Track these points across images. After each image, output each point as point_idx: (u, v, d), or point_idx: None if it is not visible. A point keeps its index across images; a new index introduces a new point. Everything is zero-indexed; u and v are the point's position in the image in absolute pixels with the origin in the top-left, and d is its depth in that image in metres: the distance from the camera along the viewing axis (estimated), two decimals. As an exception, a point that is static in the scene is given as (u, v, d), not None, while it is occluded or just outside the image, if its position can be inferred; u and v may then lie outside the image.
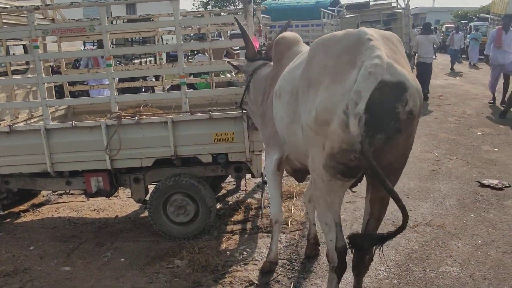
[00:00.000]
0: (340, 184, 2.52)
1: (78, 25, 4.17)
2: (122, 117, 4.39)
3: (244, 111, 4.25)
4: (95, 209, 5.66)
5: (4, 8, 4.60)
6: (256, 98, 3.80)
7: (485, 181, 5.56)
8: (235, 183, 6.04)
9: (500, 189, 5.33)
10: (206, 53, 6.82)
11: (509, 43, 9.85)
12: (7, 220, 5.42)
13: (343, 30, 2.54)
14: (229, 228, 4.82)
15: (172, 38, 7.34)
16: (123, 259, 4.27)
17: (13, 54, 5.51)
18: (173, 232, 4.60)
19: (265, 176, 4.69)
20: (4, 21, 4.97)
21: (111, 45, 12.25)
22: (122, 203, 5.76)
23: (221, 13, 7.19)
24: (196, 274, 3.89)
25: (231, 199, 5.64)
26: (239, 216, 5.13)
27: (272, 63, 3.79)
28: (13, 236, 4.94)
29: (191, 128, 4.40)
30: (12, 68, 5.39)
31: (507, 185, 5.41)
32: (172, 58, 14.41)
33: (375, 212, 2.74)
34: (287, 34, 3.67)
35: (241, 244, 4.42)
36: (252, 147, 4.42)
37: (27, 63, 5.76)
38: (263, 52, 4.01)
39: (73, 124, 4.39)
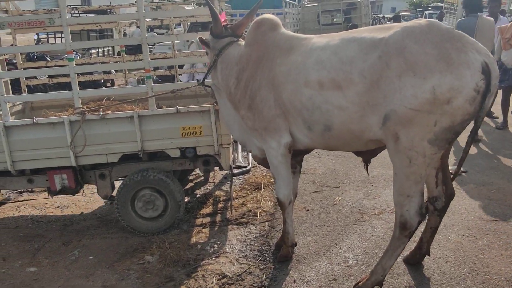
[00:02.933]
0: (440, 155, 2.92)
1: (37, 18, 4.00)
2: (86, 112, 4.28)
3: (208, 88, 4.10)
4: (58, 207, 5.51)
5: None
6: (227, 79, 3.69)
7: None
8: (202, 175, 6.03)
9: (459, 175, 5.57)
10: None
11: None
12: (-37, 221, 5.20)
13: (418, 22, 2.87)
14: (198, 221, 4.83)
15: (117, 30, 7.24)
16: (91, 257, 4.20)
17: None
18: (142, 227, 4.56)
19: (234, 168, 4.74)
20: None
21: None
22: (87, 199, 5.64)
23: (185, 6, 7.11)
24: (168, 269, 3.88)
25: (199, 192, 5.64)
26: (208, 209, 5.13)
27: (241, 41, 3.73)
28: (-29, 238, 4.75)
29: (158, 122, 4.35)
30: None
31: (464, 171, 5.68)
32: (130, 48, 14.08)
33: (445, 160, 3.31)
34: (270, 16, 3.63)
35: (212, 237, 4.44)
36: (220, 140, 4.41)
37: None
38: (229, 28, 3.82)
39: (34, 120, 4.24)
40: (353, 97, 2.93)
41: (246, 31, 3.79)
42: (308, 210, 4.73)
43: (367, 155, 3.50)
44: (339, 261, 3.73)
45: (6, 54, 5.63)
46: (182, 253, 4.10)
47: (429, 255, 3.59)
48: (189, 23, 11.64)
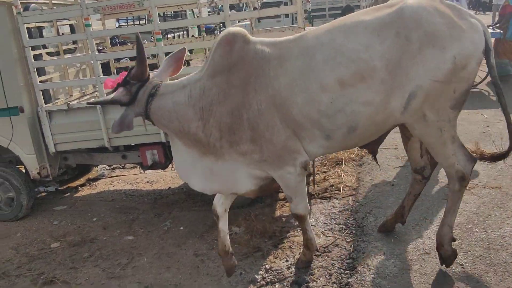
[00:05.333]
0: (458, 113, 2.93)
1: (127, 1, 4.21)
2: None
3: None
4: (148, 182, 5.85)
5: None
6: (182, 127, 2.99)
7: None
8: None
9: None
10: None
11: None
12: (66, 195, 5.69)
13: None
14: (281, 195, 4.89)
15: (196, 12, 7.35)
16: (182, 228, 4.44)
17: (63, 34, 5.63)
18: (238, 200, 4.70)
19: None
20: (53, 1, 5.09)
21: (145, 22, 12.41)
22: (173, 175, 5.92)
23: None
24: (255, 240, 4.00)
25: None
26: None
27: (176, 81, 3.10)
28: (75, 209, 5.19)
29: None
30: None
31: None
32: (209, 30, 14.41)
33: None
34: (236, 29, 2.99)
35: (296, 210, 4.48)
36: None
37: (74, 42, 5.89)
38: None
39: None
40: (379, 86, 2.72)
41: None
42: (393, 185, 4.62)
43: (372, 145, 3.23)
44: (429, 235, 3.62)
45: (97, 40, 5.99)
46: (267, 225, 4.19)
47: (403, 224, 3.66)
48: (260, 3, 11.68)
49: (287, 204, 4.65)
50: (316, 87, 2.76)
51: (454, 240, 3.18)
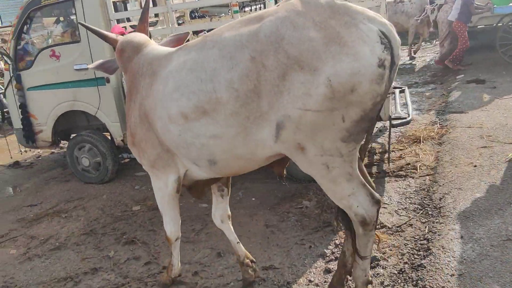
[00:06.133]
0: (358, 145, 2.35)
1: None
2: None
3: None
4: (222, 153, 6.00)
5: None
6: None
7: None
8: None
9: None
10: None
11: None
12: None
13: (293, 4, 2.23)
14: (354, 172, 4.81)
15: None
16: (254, 199, 4.53)
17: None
18: (299, 174, 4.72)
19: (393, 119, 4.56)
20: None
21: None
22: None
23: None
24: (325, 215, 3.99)
25: (354, 144, 5.58)
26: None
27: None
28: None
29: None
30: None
31: None
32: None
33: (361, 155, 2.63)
34: (131, 36, 3.02)
35: (368, 187, 4.40)
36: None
37: (156, 15, 6.11)
38: None
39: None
40: (228, 119, 2.35)
41: None
42: (475, 166, 4.35)
43: (278, 168, 2.88)
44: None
45: (177, 13, 6.16)
46: (338, 201, 4.15)
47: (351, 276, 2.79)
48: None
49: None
50: (166, 117, 2.57)
51: (370, 283, 2.75)
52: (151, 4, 6.05)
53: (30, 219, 4.81)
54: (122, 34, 3.30)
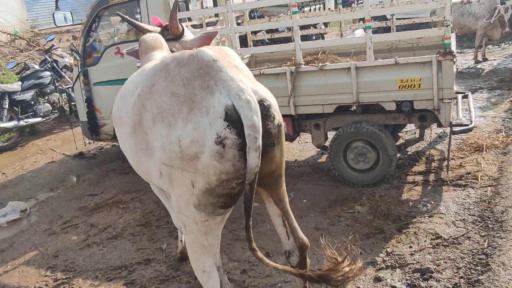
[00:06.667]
0: (220, 220, 2.25)
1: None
2: (303, 64, 4.50)
3: None
4: (275, 152, 6.01)
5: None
6: None
7: None
8: (415, 132, 5.76)
9: None
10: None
11: None
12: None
13: (183, 53, 2.28)
14: (410, 178, 4.67)
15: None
16: (305, 200, 4.51)
17: (206, 7, 5.96)
18: (352, 178, 4.65)
19: (454, 126, 4.37)
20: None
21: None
22: (300, 148, 6.01)
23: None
24: (378, 221, 3.90)
25: (411, 149, 5.42)
26: (420, 167, 4.91)
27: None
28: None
29: (374, 74, 4.28)
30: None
31: None
32: (345, 4, 14.04)
33: (282, 207, 2.55)
34: (148, 37, 3.22)
35: (424, 195, 4.25)
36: (441, 94, 4.10)
37: (216, 15, 6.22)
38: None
39: (261, 71, 4.65)
40: (126, 136, 2.55)
41: None
42: (544, 179, 4.09)
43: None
44: None
45: (236, 13, 6.24)
46: (392, 207, 4.05)
47: None
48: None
49: (416, 188, 4.43)
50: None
51: None
52: (211, 4, 6.19)
53: (91, 208, 5.07)
54: (160, 25, 3.60)
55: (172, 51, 3.26)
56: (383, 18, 6.75)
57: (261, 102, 2.09)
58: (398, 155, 5.16)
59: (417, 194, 4.30)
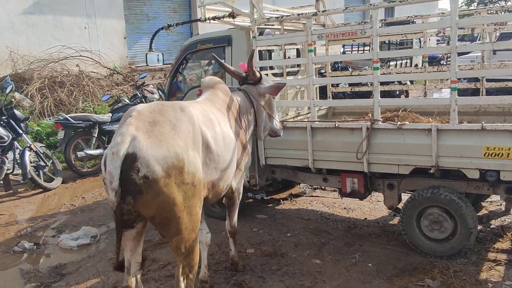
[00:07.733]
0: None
1: (350, 29, 4.28)
2: (379, 121, 4.35)
3: None
4: (345, 208, 5.80)
5: (287, 16, 5.11)
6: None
7: None
8: (501, 204, 5.27)
9: None
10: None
11: None
12: (269, 205, 6.09)
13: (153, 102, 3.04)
14: (491, 255, 4.23)
15: (422, 40, 6.84)
16: (370, 265, 4.24)
17: (288, 57, 6.07)
18: (425, 247, 4.31)
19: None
20: (284, 27, 5.54)
21: (369, 49, 12.45)
22: (371, 206, 5.74)
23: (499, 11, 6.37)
24: (450, 300, 3.54)
25: (495, 223, 4.94)
26: (504, 244, 4.45)
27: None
28: (273, 221, 5.50)
29: (458, 138, 4.01)
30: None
31: None
32: (430, 60, 13.64)
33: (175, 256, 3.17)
34: (209, 79, 3.91)
35: (507, 278, 3.81)
36: (534, 167, 3.73)
37: (298, 65, 6.29)
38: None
39: (336, 124, 4.56)
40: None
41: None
42: None
43: None
44: None
45: (318, 64, 6.28)
46: (468, 286, 3.67)
47: None
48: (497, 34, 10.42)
49: (497, 268, 3.99)
50: None
51: None
52: (294, 53, 6.29)
53: (155, 242, 5.17)
54: (245, 71, 4.12)
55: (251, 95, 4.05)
56: (474, 78, 6.41)
57: (130, 155, 2.57)
58: (479, 227, 4.72)
59: (499, 275, 3.86)
